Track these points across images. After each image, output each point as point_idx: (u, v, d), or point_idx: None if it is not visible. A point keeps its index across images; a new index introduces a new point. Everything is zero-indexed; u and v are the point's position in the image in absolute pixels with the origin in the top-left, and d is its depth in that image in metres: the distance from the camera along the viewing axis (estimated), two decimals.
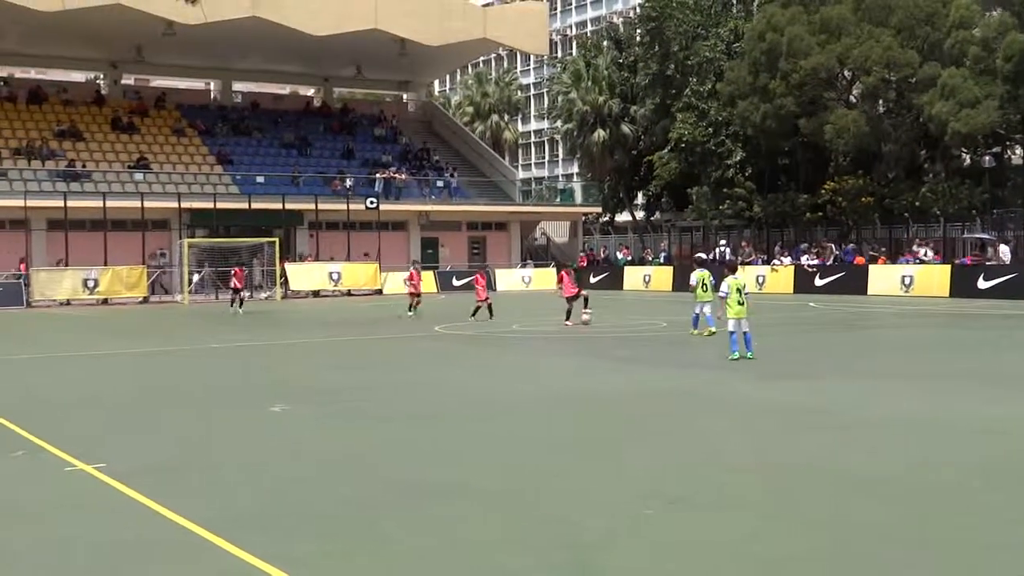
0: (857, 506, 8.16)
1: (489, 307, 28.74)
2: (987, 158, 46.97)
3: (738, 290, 18.09)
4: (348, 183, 52.52)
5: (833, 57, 44.64)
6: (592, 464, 9.89)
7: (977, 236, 44.02)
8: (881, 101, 47.24)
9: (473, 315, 28.66)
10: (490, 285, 46.93)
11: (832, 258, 44.05)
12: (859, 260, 43.28)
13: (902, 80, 44.60)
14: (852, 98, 47.29)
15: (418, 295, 32.19)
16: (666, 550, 7.12)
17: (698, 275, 23.25)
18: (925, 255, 41.18)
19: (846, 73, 46.86)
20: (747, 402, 13.54)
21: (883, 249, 45.11)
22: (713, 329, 22.18)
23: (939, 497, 8.52)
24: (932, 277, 38.68)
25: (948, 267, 38.94)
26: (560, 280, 27.28)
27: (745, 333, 17.98)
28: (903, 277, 39.33)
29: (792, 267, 44.09)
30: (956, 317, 29.95)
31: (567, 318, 26.08)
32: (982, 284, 36.94)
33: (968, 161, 49.60)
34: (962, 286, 37.18)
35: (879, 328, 24.93)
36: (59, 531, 7.87)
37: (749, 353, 17.76)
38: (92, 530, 7.87)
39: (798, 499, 8.45)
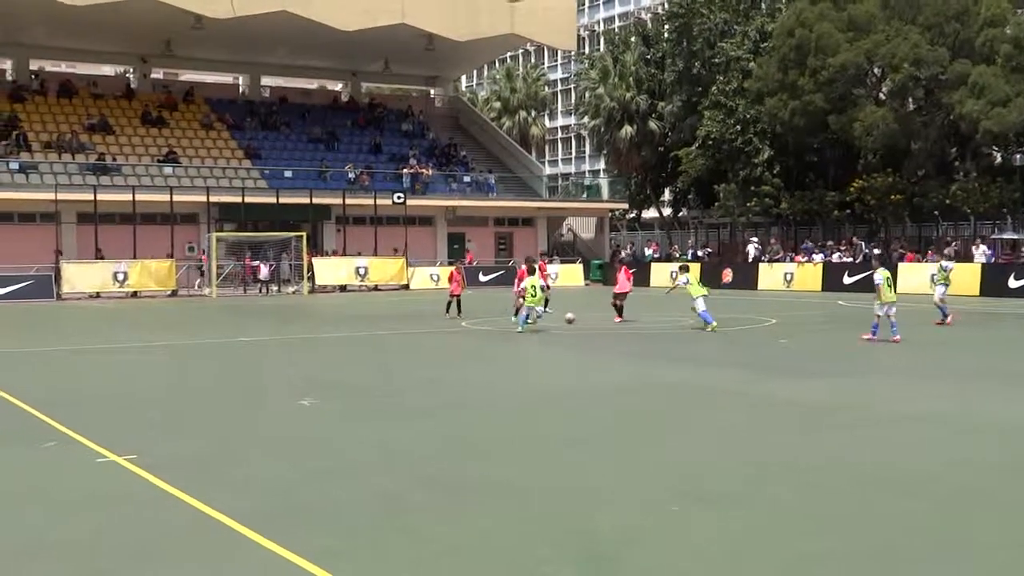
0: (889, 504, 8.12)
1: (459, 303, 28.67)
2: (1018, 156, 46.58)
3: (533, 286, 23.83)
4: (352, 175, 52.51)
5: (861, 54, 44.41)
6: (618, 460, 9.88)
7: (1007, 236, 43.71)
8: (911, 98, 46.96)
9: (447, 311, 28.65)
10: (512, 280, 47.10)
11: (862, 256, 43.79)
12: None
13: (932, 78, 44.31)
14: (881, 95, 47.01)
15: None
16: (693, 547, 7.11)
17: (690, 274, 24.81)
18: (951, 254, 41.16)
19: (875, 70, 46.61)
20: (775, 399, 13.49)
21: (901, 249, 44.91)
22: (713, 324, 23.21)
23: (975, 495, 8.46)
24: (962, 276, 38.37)
25: (979, 266, 38.69)
26: (622, 276, 27.13)
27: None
28: (932, 275, 38.99)
29: (821, 264, 43.89)
30: (986, 316, 29.74)
31: (618, 314, 26.17)
32: (1013, 283, 36.66)
33: (999, 159, 49.23)
34: (993, 285, 36.92)
35: (908, 326, 24.75)
36: (91, 521, 7.94)
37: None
38: (124, 521, 7.93)
39: (828, 497, 8.41)
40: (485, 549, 7.14)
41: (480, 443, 10.91)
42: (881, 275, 21.03)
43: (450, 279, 29.68)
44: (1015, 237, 43.54)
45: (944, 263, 25.92)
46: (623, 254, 56.11)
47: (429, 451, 10.42)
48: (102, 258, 43.29)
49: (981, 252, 40.21)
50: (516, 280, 26.90)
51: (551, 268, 43.66)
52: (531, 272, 24.69)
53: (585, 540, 7.25)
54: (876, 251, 43.48)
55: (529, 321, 24.31)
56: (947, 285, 25.27)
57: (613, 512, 7.95)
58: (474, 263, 50.99)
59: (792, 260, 45.98)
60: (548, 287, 29.07)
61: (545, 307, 28.25)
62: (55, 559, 7.05)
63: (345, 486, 8.93)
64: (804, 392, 14.17)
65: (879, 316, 20.88)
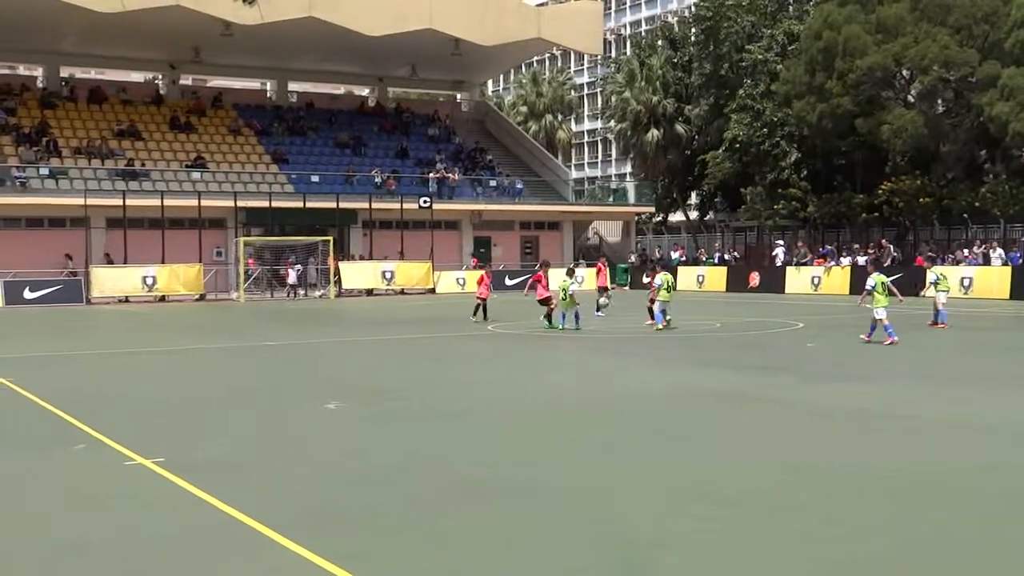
0: (917, 509, 8.07)
1: (485, 307, 28.66)
2: None
3: (563, 289, 25.07)
4: (379, 179, 52.65)
5: (890, 56, 44.14)
6: (644, 463, 9.87)
7: None
8: (940, 101, 46.64)
9: (473, 315, 28.66)
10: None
11: (891, 260, 43.51)
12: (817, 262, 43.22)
13: (961, 80, 43.99)
14: (910, 98, 46.71)
15: None
16: (719, 550, 7.09)
17: (663, 277, 25.50)
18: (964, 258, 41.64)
19: (904, 72, 46.32)
20: (800, 403, 13.43)
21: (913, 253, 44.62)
22: (660, 325, 24.84)
23: (1005, 501, 8.39)
24: (992, 279, 38.13)
25: (1009, 269, 38.40)
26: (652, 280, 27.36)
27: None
28: (962, 279, 38.79)
29: (848, 268, 43.64)
30: (1016, 320, 29.50)
31: (651, 316, 26.28)
32: None
33: None
34: (1023, 288, 36.61)
35: (934, 331, 24.62)
36: (119, 523, 8.00)
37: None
38: (152, 523, 7.98)
39: (855, 501, 8.36)
40: (516, 553, 7.14)
41: (509, 446, 10.91)
42: (875, 280, 21.42)
43: (479, 282, 29.71)
44: None
45: (934, 271, 26.87)
46: (632, 259, 55.98)
47: (457, 454, 10.44)
48: (111, 263, 43.59)
49: (998, 255, 40.12)
50: (540, 285, 26.74)
51: (579, 272, 43.64)
52: (569, 274, 26.49)
53: (616, 544, 7.23)
54: (897, 254, 43.45)
55: (563, 325, 25.21)
56: (945, 292, 26.06)
57: (643, 516, 7.94)
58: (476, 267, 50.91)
59: (814, 264, 45.74)
60: (608, 288, 30.61)
61: (598, 310, 28.59)
62: (84, 561, 7.11)
63: (372, 489, 8.95)
64: (831, 396, 14.10)
65: (880, 319, 21.16)
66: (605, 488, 8.89)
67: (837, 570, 6.68)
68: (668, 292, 25.27)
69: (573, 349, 22.17)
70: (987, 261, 40.32)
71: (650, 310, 26.29)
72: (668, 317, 25.26)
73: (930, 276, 26.63)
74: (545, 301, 26.24)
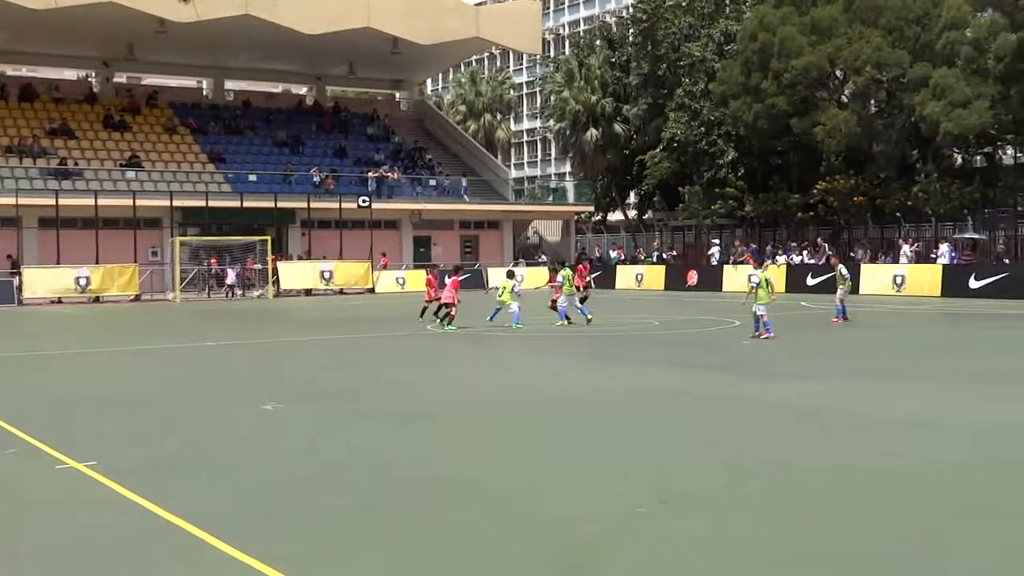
0: (860, 506, 8.13)
1: (434, 308, 28.47)
2: (978, 158, 47.00)
3: (503, 287, 25.64)
4: (317, 178, 52.30)
5: (824, 57, 44.74)
6: (587, 463, 9.88)
7: (968, 236, 44.15)
8: (872, 101, 47.34)
9: (421, 316, 28.47)
10: (482, 283, 47.02)
11: (824, 258, 44.05)
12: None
13: (893, 80, 44.69)
14: (844, 98, 47.37)
15: None
16: (668, 549, 7.12)
17: (564, 274, 26.89)
18: (862, 257, 43.45)
19: (837, 73, 46.97)
20: (742, 401, 13.55)
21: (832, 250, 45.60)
22: (562, 322, 26.32)
23: (948, 497, 8.51)
24: (923, 276, 38.80)
25: (940, 267, 39.09)
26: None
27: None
28: (895, 276, 39.45)
29: (784, 267, 44.13)
30: (947, 316, 30.05)
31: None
32: (973, 284, 37.05)
33: (960, 161, 49.71)
34: (953, 286, 37.29)
35: (872, 327, 25.00)
36: (49, 529, 7.84)
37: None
38: (83, 528, 7.84)
39: (798, 499, 8.43)
40: (459, 553, 7.11)
41: (452, 446, 10.88)
42: (759, 277, 22.36)
43: (427, 284, 29.34)
44: (975, 237, 43.99)
45: (841, 268, 27.48)
46: (549, 260, 55.75)
47: (398, 454, 10.38)
48: (15, 266, 42.61)
49: (903, 252, 41.43)
50: (448, 288, 26.27)
51: (518, 271, 43.67)
52: (509, 275, 27.54)
53: (562, 544, 7.23)
54: (832, 252, 44.24)
55: (493, 319, 26.17)
56: (845, 288, 26.91)
57: (590, 515, 7.94)
58: (388, 265, 50.56)
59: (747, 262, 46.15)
60: (585, 287, 30.17)
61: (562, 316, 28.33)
62: (12, 567, 6.97)
63: (312, 491, 8.87)
64: (771, 394, 14.22)
65: (761, 315, 22.00)
66: (549, 487, 8.89)
67: (782, 566, 6.74)
68: (571, 288, 26.55)
69: (515, 349, 22.19)
70: (920, 259, 41.18)
71: (554, 308, 26.79)
72: (567, 317, 26.52)
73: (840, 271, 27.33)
74: (448, 305, 26.01)
